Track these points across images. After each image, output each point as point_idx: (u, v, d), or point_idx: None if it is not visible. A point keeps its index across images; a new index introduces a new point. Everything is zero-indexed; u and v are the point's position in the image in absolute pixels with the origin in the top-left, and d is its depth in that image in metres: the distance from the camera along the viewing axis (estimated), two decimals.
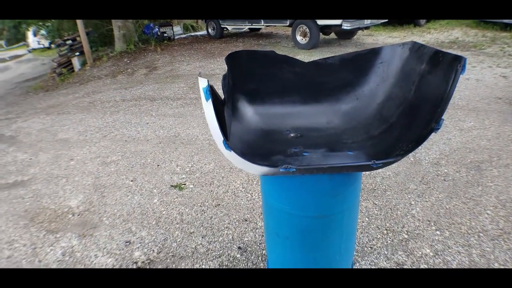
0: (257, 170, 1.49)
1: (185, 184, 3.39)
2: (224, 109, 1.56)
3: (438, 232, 2.56)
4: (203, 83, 1.35)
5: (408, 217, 2.75)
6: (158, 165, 3.83)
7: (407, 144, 1.55)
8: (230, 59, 1.84)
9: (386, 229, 2.62)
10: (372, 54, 1.94)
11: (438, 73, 1.53)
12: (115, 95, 6.92)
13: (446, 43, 9.50)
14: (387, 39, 10.37)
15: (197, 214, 2.93)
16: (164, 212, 3.05)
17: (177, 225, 2.84)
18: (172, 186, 3.39)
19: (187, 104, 5.51)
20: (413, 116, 1.64)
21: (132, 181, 3.63)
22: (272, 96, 2.00)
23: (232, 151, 1.41)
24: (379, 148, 1.69)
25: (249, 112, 1.96)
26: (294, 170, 1.42)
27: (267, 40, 11.00)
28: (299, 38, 9.44)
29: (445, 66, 1.47)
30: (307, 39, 9.27)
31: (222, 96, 1.64)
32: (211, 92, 1.38)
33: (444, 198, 2.94)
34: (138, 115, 5.41)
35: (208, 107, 1.35)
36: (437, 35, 10.60)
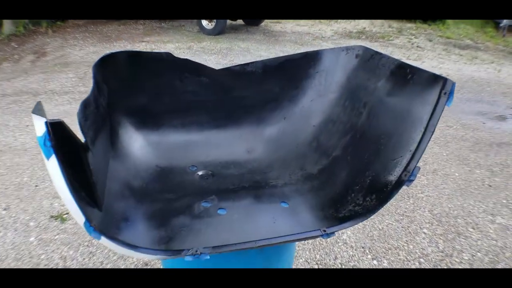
0: (148, 257, 0.92)
1: (68, 213, 2.66)
2: (87, 156, 0.94)
3: (375, 262, 2.22)
4: (39, 127, 0.75)
5: (340, 244, 2.37)
6: (36, 186, 3.01)
7: (364, 195, 1.10)
8: (103, 67, 1.21)
9: (317, 263, 2.21)
10: (306, 60, 1.45)
11: (405, 97, 1.09)
12: None
13: (354, 33, 9.56)
14: (295, 27, 10.11)
15: (84, 258, 2.25)
16: (43, 257, 2.31)
17: None
18: (52, 216, 2.63)
19: (75, 100, 4.56)
20: (367, 153, 1.19)
21: (5, 209, 2.78)
22: (171, 117, 1.42)
23: (103, 237, 0.83)
24: (323, 196, 1.22)
25: (136, 142, 1.36)
26: (207, 256, 0.87)
27: (170, 23, 10.04)
28: (204, 23, 8.68)
29: (418, 89, 1.03)
30: (213, 24, 8.58)
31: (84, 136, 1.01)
32: (58, 138, 0.78)
33: (375, 216, 2.63)
34: (18, 115, 4.42)
35: (53, 169, 0.75)
36: (344, 24, 10.61)
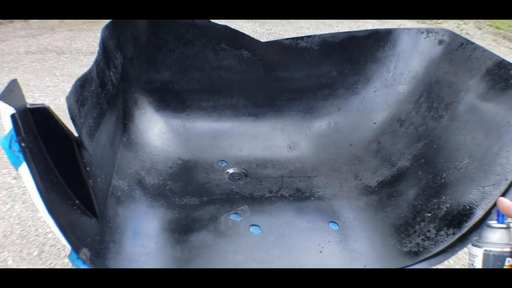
0: None
1: None
2: (83, 154, 0.69)
3: None
4: (6, 122, 0.50)
5: None
6: None
7: (438, 227, 0.85)
8: (117, 29, 0.95)
9: None
10: (373, 40, 1.14)
11: (506, 106, 0.84)
12: (19, 46, 5.49)
13: None
14: None
15: None
16: (50, 236, 2.13)
17: (66, 260, 1.96)
18: None
19: None
20: (446, 171, 0.91)
21: (15, 178, 2.60)
22: (199, 97, 1.15)
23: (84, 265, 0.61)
24: (383, 219, 0.95)
25: (155, 126, 1.10)
26: None
27: None
28: None
29: None
30: None
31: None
32: (39, 132, 0.55)
33: None
34: (40, 75, 4.24)
35: (26, 181, 0.53)
36: None
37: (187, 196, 0.97)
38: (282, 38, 1.14)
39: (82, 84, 0.69)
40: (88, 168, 0.69)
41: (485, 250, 0.46)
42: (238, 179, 1.06)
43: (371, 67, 1.17)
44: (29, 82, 4.10)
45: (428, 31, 1.11)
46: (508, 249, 0.44)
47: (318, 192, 1.04)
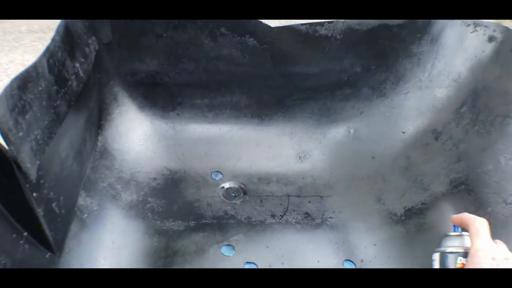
0: None
1: None
2: (25, 178, 0.50)
3: None
4: None
5: None
6: None
7: None
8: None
9: None
10: (408, 32, 0.93)
11: None
12: (22, 24, 5.33)
13: None
14: None
15: None
16: None
17: None
18: None
19: None
20: (492, 203, 0.74)
21: None
22: (192, 93, 0.95)
23: None
24: (412, 260, 0.77)
25: (138, 128, 0.91)
26: None
27: None
28: None
29: None
30: None
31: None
32: None
33: None
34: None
35: None
36: None
37: (170, 218, 0.79)
38: (295, 23, 0.93)
39: (22, 84, 0.50)
40: (35, 194, 0.51)
41: (441, 253, 0.55)
42: (235, 196, 0.88)
43: (403, 63, 0.96)
44: (28, 63, 3.93)
45: (476, 24, 0.89)
46: (460, 250, 0.52)
47: (332, 218, 0.85)
